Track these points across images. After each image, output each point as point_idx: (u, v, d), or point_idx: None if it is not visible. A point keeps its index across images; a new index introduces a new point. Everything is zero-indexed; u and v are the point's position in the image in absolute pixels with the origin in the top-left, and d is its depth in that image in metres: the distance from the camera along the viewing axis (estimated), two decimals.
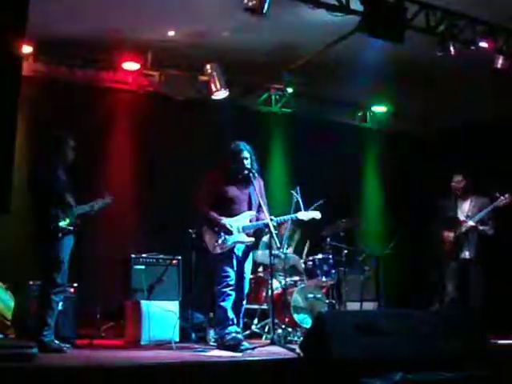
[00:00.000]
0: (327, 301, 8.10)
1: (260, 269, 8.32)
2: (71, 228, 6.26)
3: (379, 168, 11.69)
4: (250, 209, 6.59)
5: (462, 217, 8.04)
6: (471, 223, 7.91)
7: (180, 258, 8.10)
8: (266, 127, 10.64)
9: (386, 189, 11.50)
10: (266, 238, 7.90)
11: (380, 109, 11.42)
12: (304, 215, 6.91)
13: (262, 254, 8.14)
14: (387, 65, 8.78)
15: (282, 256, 7.95)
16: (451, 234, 8.05)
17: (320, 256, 8.37)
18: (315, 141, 10.37)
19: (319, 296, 7.96)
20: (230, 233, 6.43)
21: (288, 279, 7.97)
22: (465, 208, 8.09)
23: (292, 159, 10.65)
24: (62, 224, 6.16)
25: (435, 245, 8.36)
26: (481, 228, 7.92)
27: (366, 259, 8.98)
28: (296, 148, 10.59)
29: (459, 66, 8.48)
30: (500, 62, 8.42)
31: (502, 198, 7.81)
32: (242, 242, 6.52)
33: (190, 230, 7.63)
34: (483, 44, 8.12)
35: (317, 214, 6.98)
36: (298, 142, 10.53)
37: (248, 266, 6.68)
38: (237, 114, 9.93)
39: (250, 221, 6.56)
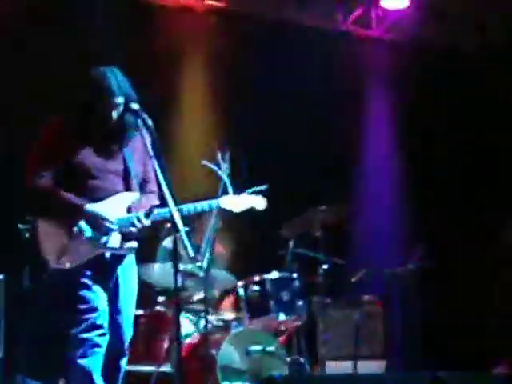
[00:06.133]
0: (287, 358, 5.89)
1: (159, 298, 6.12)
2: None
3: (393, 107, 8.44)
4: (127, 188, 4.75)
5: None
6: None
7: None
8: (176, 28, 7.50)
9: (407, 148, 8.19)
10: (167, 242, 6.09)
11: (394, 4, 8.17)
12: (233, 203, 5.03)
13: (160, 271, 5.96)
14: None
15: (201, 274, 5.74)
16: None
17: (275, 274, 6.09)
18: (274, 60, 7.45)
19: (272, 349, 5.79)
20: (100, 229, 4.54)
21: (213, 317, 5.97)
22: None
23: (225, 91, 7.50)
24: None
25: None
26: None
27: (365, 280, 6.66)
28: (232, 71, 7.50)
29: None
30: None
31: None
32: (112, 249, 4.63)
33: (21, 226, 5.31)
34: None
35: (259, 202, 5.11)
36: (235, 58, 7.50)
37: (128, 291, 4.76)
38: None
39: (129, 210, 4.71)
